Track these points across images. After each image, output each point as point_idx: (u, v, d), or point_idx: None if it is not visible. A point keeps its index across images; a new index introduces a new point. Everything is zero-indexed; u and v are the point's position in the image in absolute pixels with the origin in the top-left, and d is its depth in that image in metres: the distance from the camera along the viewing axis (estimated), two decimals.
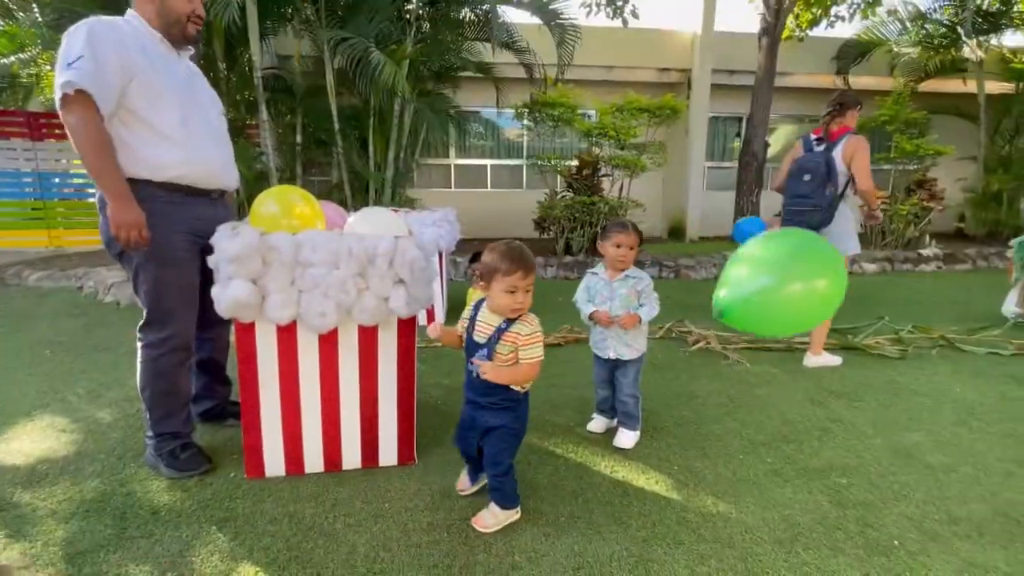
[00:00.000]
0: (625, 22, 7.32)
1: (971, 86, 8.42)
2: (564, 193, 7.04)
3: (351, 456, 1.93)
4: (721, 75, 8.70)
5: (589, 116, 7.21)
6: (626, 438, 2.12)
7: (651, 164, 7.00)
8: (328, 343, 1.81)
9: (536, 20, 6.42)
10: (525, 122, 7.21)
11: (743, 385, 2.82)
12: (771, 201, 8.88)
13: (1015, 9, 8.29)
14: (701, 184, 8.87)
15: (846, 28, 8.81)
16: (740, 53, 8.37)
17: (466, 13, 6.65)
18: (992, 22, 8.20)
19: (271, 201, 1.89)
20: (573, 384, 2.79)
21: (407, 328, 1.88)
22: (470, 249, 4.40)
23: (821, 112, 3.13)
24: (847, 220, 3.02)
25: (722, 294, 1.68)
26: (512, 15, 6.79)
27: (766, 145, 7.80)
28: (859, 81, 8.93)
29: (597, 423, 2.26)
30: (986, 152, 8.49)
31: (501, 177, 9.41)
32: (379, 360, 1.87)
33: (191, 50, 1.94)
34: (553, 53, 6.49)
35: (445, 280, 4.05)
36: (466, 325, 1.62)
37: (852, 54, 8.82)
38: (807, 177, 2.98)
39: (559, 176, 7.29)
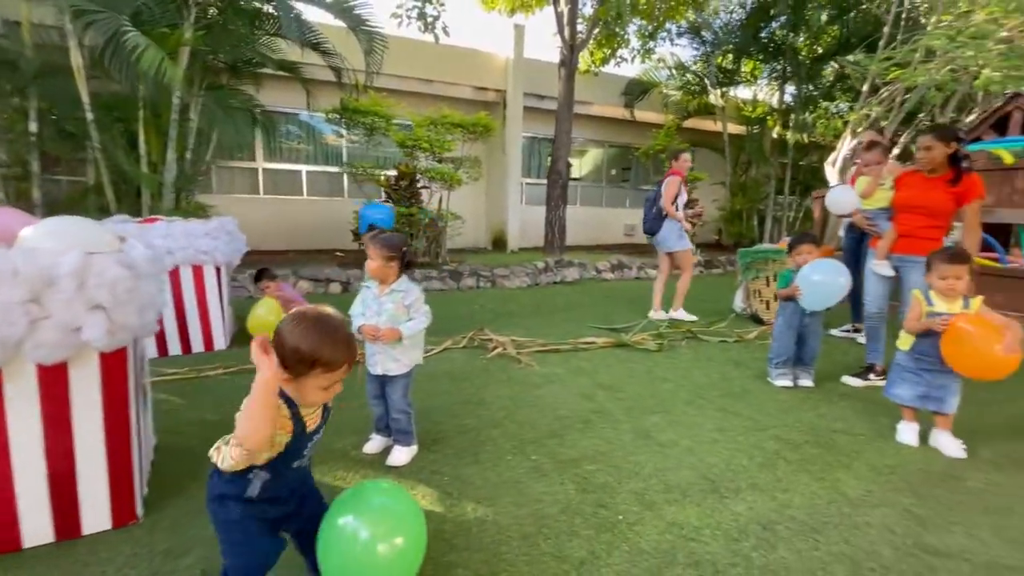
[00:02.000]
0: (436, 37, 7.46)
1: (719, 126, 10.56)
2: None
3: (36, 529, 1.53)
4: (532, 99, 9.46)
5: (409, 127, 7.17)
6: (400, 455, 2.08)
7: (467, 178, 7.23)
8: None
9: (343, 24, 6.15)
10: (337, 128, 6.87)
11: (528, 387, 3.01)
12: (579, 215, 9.96)
13: (743, 69, 10.70)
14: (519, 199, 9.48)
15: (631, 68, 10.34)
16: (548, 80, 9.19)
17: (262, 4, 6.08)
18: (729, 77, 10.44)
19: None
20: (362, 403, 2.66)
21: (115, 363, 1.57)
22: (284, 262, 3.95)
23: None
24: (672, 229, 4.69)
25: None
26: (316, 16, 6.42)
27: (569, 165, 8.67)
28: (642, 115, 10.53)
29: (374, 443, 2.18)
30: (730, 179, 10.73)
31: (319, 184, 8.82)
32: (73, 405, 1.52)
33: None
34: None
35: (226, 298, 3.58)
36: (293, 428, 1.20)
37: (636, 91, 10.37)
38: (648, 202, 4.82)
39: (379, 186, 7.09)
